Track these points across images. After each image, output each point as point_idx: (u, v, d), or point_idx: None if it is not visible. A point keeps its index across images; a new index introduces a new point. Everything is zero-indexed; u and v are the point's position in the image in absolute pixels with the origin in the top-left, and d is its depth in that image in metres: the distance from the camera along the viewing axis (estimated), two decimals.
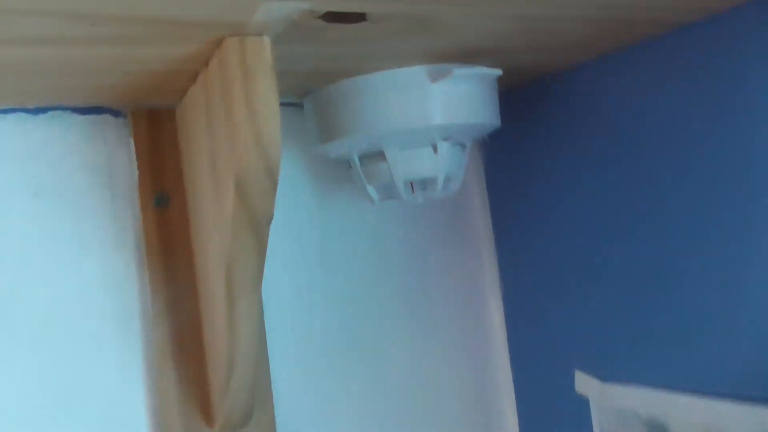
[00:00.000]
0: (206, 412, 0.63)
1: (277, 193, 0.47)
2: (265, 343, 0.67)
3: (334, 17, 0.44)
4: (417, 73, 0.63)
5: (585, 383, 0.66)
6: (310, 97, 0.72)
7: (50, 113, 0.63)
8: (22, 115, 0.62)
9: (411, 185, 0.75)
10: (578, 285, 0.69)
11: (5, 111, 0.61)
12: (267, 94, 0.43)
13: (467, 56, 0.62)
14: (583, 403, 0.67)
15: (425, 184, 0.76)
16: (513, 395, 0.79)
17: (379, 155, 0.72)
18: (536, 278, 0.77)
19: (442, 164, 0.72)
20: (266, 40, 0.44)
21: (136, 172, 0.65)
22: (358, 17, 0.45)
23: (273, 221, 0.49)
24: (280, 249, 0.74)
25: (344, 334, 0.77)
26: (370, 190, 0.76)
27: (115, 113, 0.66)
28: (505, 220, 0.83)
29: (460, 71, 0.64)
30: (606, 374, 0.64)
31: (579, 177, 0.70)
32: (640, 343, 0.62)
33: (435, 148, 0.71)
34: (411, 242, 0.82)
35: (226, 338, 0.53)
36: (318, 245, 0.77)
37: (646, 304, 0.62)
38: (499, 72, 0.65)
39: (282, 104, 0.47)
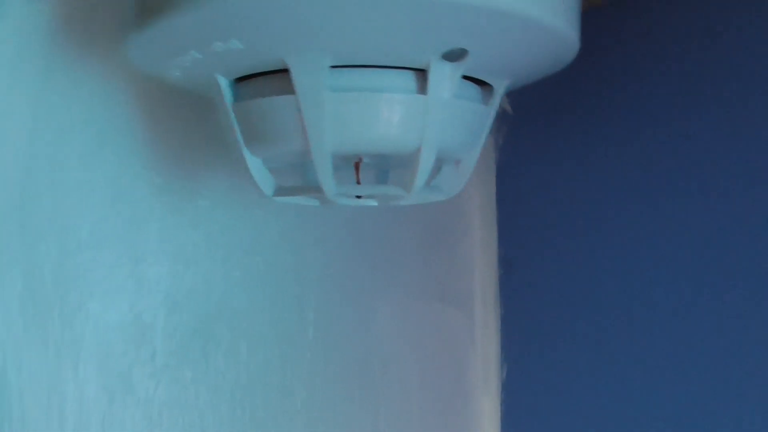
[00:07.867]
0: None
1: None
2: None
3: None
4: None
5: None
6: None
7: None
8: None
9: (357, 167, 0.35)
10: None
11: None
12: None
13: None
14: None
15: (385, 168, 0.34)
16: None
17: (280, 82, 0.30)
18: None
19: (436, 119, 0.30)
20: None
21: None
22: None
23: None
24: None
25: None
26: (255, 166, 0.33)
27: None
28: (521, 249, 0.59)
29: None
30: None
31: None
32: None
33: (421, 87, 0.30)
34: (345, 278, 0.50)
35: None
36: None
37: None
38: None
39: None
